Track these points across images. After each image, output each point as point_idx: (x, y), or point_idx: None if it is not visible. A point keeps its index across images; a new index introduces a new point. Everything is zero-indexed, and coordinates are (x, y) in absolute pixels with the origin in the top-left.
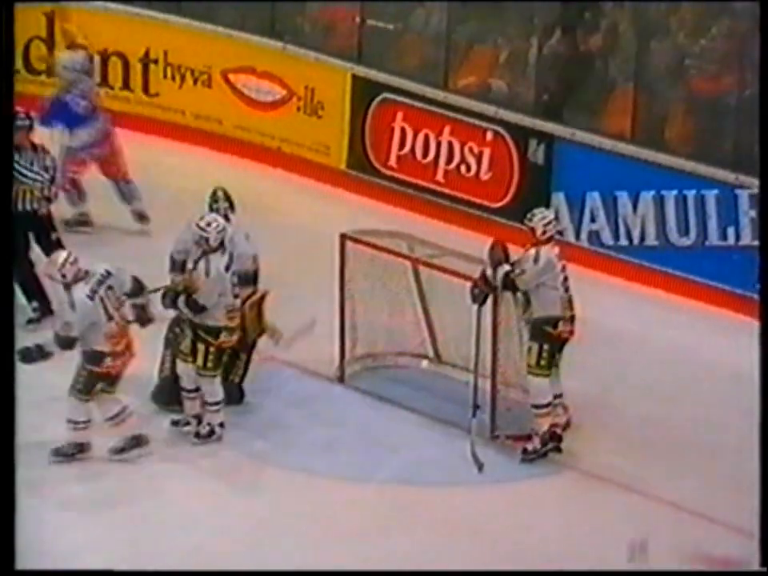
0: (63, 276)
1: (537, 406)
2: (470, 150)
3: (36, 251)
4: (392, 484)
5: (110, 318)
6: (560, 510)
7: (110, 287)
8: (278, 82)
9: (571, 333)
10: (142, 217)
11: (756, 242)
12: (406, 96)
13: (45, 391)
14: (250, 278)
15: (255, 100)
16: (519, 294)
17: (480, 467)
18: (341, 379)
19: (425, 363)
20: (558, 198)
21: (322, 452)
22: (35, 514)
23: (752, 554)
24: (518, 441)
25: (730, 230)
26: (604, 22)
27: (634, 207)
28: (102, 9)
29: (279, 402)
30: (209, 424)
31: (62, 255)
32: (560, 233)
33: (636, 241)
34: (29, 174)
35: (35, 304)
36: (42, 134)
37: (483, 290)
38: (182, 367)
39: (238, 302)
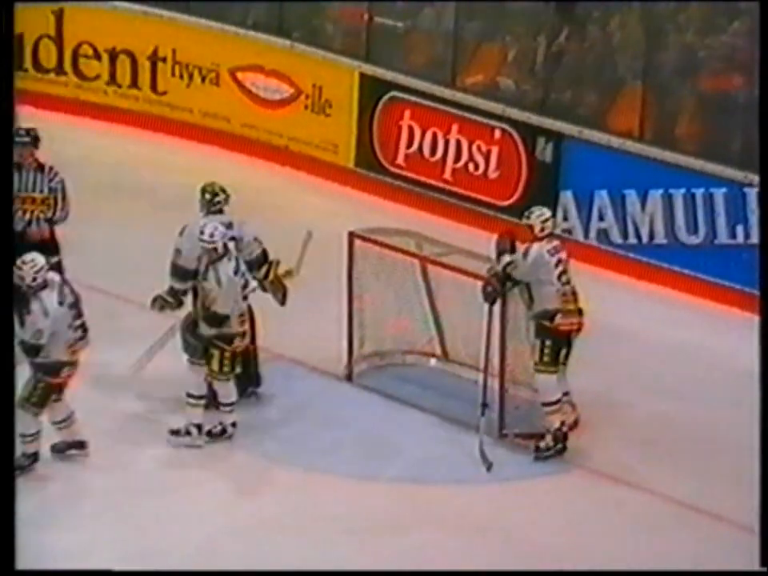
0: (34, 280)
1: (546, 404)
2: (478, 148)
3: None
4: (400, 482)
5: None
6: (567, 507)
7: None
8: (285, 80)
9: (576, 326)
10: None
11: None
12: (414, 94)
13: None
14: (260, 260)
15: (263, 98)
16: (524, 292)
17: (489, 466)
18: (349, 377)
19: (433, 361)
20: (566, 197)
21: (329, 450)
22: (35, 514)
23: (753, 554)
24: (526, 439)
25: (739, 229)
26: (612, 20)
27: (643, 205)
28: (110, 7)
29: (287, 401)
30: (221, 423)
31: (39, 260)
32: (568, 231)
33: (644, 239)
34: (33, 194)
35: None
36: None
37: (496, 288)
38: (191, 373)
39: (246, 305)
